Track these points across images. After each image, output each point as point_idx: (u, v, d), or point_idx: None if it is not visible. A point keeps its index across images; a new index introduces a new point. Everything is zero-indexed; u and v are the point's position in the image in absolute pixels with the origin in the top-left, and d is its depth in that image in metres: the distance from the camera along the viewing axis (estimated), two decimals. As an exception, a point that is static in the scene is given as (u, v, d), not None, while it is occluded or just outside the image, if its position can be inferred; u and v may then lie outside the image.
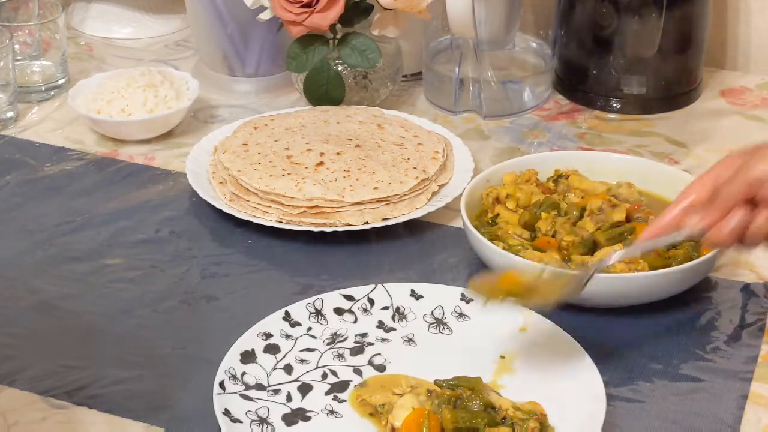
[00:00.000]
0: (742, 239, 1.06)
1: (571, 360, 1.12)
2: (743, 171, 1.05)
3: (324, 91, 1.53)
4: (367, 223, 1.33)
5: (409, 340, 1.18)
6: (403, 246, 1.34)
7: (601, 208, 1.28)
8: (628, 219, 1.29)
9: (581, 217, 1.29)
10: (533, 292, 1.12)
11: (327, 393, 1.12)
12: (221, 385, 1.10)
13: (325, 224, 1.33)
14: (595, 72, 1.59)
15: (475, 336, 1.18)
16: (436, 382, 1.08)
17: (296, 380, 1.13)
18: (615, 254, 1.13)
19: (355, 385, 1.12)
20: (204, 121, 1.57)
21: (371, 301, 1.21)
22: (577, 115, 1.58)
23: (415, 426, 1.04)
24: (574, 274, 1.13)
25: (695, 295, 1.24)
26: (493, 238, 1.26)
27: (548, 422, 1.06)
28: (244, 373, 1.12)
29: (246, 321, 1.17)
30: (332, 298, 1.21)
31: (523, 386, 1.11)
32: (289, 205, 1.34)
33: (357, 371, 1.14)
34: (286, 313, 1.19)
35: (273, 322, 1.18)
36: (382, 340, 1.18)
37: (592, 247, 1.25)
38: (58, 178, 1.46)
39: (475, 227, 1.26)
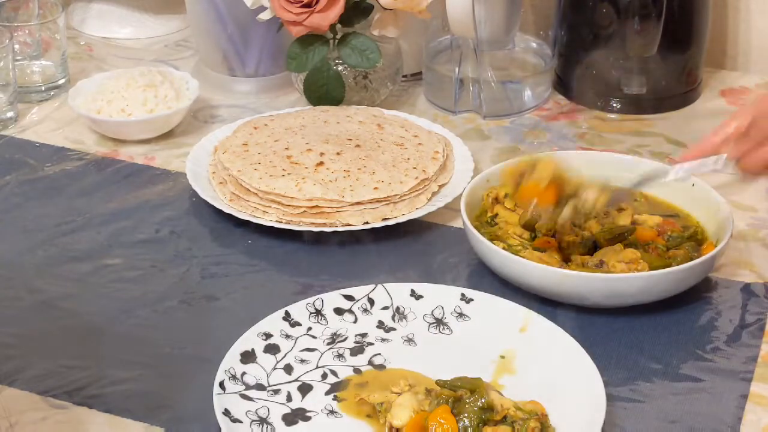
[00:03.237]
0: None
1: (571, 360, 1.12)
2: None
3: (324, 91, 1.53)
4: (367, 223, 1.33)
5: (409, 340, 1.18)
6: (403, 246, 1.34)
7: (607, 212, 1.28)
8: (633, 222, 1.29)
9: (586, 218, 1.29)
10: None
11: (327, 393, 1.12)
12: (221, 385, 1.10)
13: (325, 224, 1.33)
14: (595, 72, 1.59)
15: (475, 336, 1.18)
16: (437, 382, 1.08)
17: (296, 380, 1.13)
18: (675, 169, 1.22)
19: (347, 380, 1.12)
20: (204, 121, 1.57)
21: (371, 301, 1.21)
22: (577, 115, 1.58)
23: (419, 430, 1.04)
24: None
25: (695, 295, 1.24)
26: (493, 238, 1.26)
27: (549, 422, 1.06)
28: (244, 373, 1.12)
29: (246, 321, 1.17)
30: (332, 298, 1.21)
31: (523, 386, 1.11)
32: (289, 205, 1.34)
33: (357, 371, 1.14)
34: (286, 313, 1.19)
35: (273, 322, 1.18)
36: (382, 340, 1.18)
37: (592, 247, 1.25)
38: (58, 178, 1.46)
39: (475, 227, 1.26)
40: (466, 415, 1.04)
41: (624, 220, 1.28)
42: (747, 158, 1.19)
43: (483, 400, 1.05)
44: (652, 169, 1.26)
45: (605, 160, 1.38)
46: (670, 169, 1.25)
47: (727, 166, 1.20)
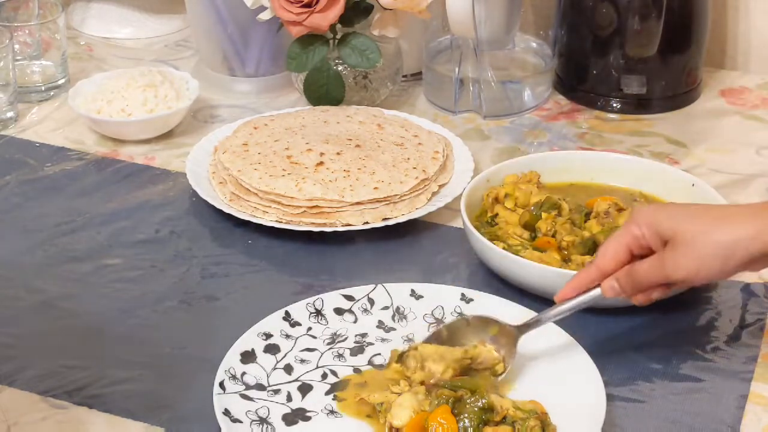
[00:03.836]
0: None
1: (571, 360, 1.12)
2: (660, 269, 1.07)
3: (324, 91, 1.53)
4: (367, 223, 1.33)
5: (409, 340, 1.18)
6: (403, 246, 1.34)
7: (607, 212, 1.28)
8: None
9: (587, 219, 1.29)
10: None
11: (327, 393, 1.12)
12: (221, 385, 1.10)
13: (325, 224, 1.33)
14: (595, 72, 1.59)
15: (475, 336, 1.18)
16: (439, 383, 1.08)
17: (296, 380, 1.13)
18: (540, 315, 1.12)
19: (347, 380, 1.12)
20: (204, 121, 1.57)
21: (371, 301, 1.21)
22: (577, 115, 1.58)
23: (419, 430, 1.04)
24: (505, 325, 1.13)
25: (695, 295, 1.24)
26: (493, 238, 1.26)
27: (549, 421, 1.06)
28: (244, 373, 1.12)
29: (246, 321, 1.17)
30: (332, 298, 1.21)
31: (523, 386, 1.11)
32: (289, 205, 1.34)
33: (357, 371, 1.14)
34: (286, 313, 1.19)
35: (273, 322, 1.18)
36: (382, 340, 1.18)
37: (592, 247, 1.25)
38: (58, 178, 1.46)
39: (475, 227, 1.26)
40: (466, 415, 1.04)
41: (624, 220, 1.28)
42: (633, 299, 1.12)
43: (483, 401, 1.05)
44: (533, 318, 1.14)
45: (605, 160, 1.38)
46: (547, 314, 1.13)
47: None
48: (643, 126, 1.56)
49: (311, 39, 1.51)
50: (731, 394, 1.12)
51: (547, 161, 1.38)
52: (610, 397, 1.09)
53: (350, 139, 1.44)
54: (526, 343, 1.15)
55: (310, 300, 1.20)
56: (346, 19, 1.50)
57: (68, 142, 1.53)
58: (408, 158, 1.41)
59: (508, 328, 1.13)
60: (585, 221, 1.28)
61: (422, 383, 1.09)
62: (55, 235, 1.36)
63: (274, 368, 1.14)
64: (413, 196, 1.37)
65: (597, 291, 1.11)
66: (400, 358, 1.12)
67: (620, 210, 1.29)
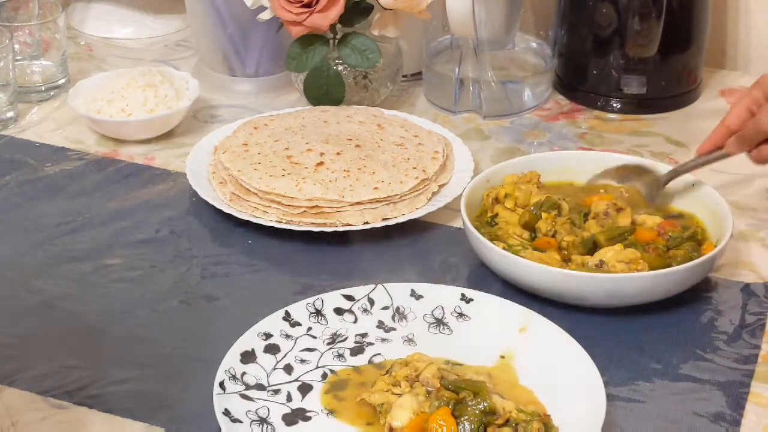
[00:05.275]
0: None
1: (571, 360, 1.12)
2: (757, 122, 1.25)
3: (324, 91, 1.53)
4: (367, 223, 1.33)
5: (409, 340, 1.18)
6: (403, 246, 1.34)
7: (606, 212, 1.28)
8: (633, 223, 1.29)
9: (586, 219, 1.29)
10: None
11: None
12: (221, 385, 1.10)
13: (325, 224, 1.33)
14: (595, 72, 1.59)
15: (475, 336, 1.18)
16: (441, 383, 1.08)
17: (296, 380, 1.13)
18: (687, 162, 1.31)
19: (347, 379, 1.12)
20: (204, 121, 1.57)
21: (371, 301, 1.21)
22: (577, 115, 1.58)
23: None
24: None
25: (695, 295, 1.24)
26: (493, 238, 1.26)
27: (552, 423, 1.06)
28: (244, 373, 1.12)
29: (246, 321, 1.17)
30: (332, 298, 1.21)
31: (523, 386, 1.11)
32: (289, 205, 1.34)
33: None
34: (286, 313, 1.19)
35: (273, 322, 1.18)
36: (382, 340, 1.18)
37: (592, 247, 1.25)
38: (58, 178, 1.46)
39: (475, 227, 1.26)
40: (466, 417, 1.04)
41: (624, 220, 1.28)
42: (759, 152, 1.28)
43: (485, 404, 1.04)
44: (673, 169, 1.33)
45: (605, 160, 1.38)
46: (686, 166, 1.33)
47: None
48: (643, 126, 1.56)
49: (311, 39, 1.51)
50: (731, 394, 1.12)
51: (547, 161, 1.38)
52: (610, 397, 1.09)
53: (350, 139, 1.44)
54: (527, 343, 1.15)
55: (310, 300, 1.20)
56: (346, 19, 1.50)
57: (68, 142, 1.53)
58: (408, 158, 1.41)
59: (654, 175, 1.33)
60: (584, 221, 1.28)
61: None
62: (55, 235, 1.36)
63: (274, 368, 1.14)
64: (413, 196, 1.37)
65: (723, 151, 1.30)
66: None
67: (619, 209, 1.29)
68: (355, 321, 1.20)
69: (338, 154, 1.40)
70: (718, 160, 1.32)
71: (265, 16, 1.52)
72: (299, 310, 1.19)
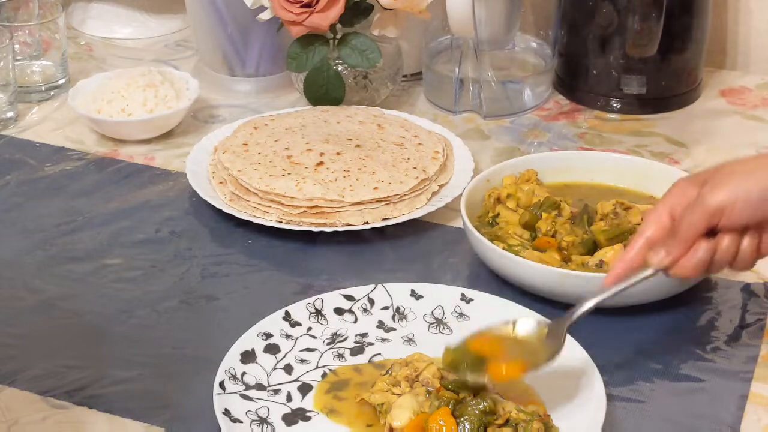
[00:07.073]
0: (709, 268, 1.08)
1: (571, 360, 1.12)
2: (700, 203, 1.05)
3: (324, 91, 1.53)
4: (367, 223, 1.33)
5: (409, 340, 1.18)
6: (403, 246, 1.34)
7: (616, 212, 1.28)
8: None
9: (591, 222, 1.29)
10: (511, 351, 1.09)
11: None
12: (221, 385, 1.10)
13: (325, 224, 1.33)
14: (595, 72, 1.59)
15: (475, 336, 1.18)
16: (441, 383, 1.08)
17: (296, 380, 1.13)
18: (588, 303, 1.09)
19: (347, 379, 1.12)
20: (204, 121, 1.57)
21: (371, 301, 1.21)
22: (577, 115, 1.58)
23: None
24: (548, 322, 1.10)
25: (695, 295, 1.24)
26: (493, 238, 1.26)
27: (552, 423, 1.06)
28: (244, 373, 1.12)
29: (246, 321, 1.17)
30: (332, 298, 1.21)
31: (522, 386, 1.11)
32: (289, 205, 1.34)
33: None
34: (286, 313, 1.19)
35: (273, 322, 1.18)
36: (382, 340, 1.18)
37: (592, 247, 1.25)
38: (58, 178, 1.46)
39: (476, 227, 1.26)
40: (466, 417, 1.04)
41: (635, 217, 1.27)
42: (680, 265, 1.07)
43: (485, 404, 1.04)
44: (582, 309, 1.09)
45: (605, 160, 1.38)
46: (595, 297, 1.10)
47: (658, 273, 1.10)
48: (643, 126, 1.56)
49: (311, 39, 1.51)
50: (731, 394, 1.12)
51: (547, 161, 1.38)
52: (610, 397, 1.09)
53: (350, 139, 1.44)
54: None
55: (310, 300, 1.20)
56: (346, 19, 1.50)
57: (68, 142, 1.53)
58: (408, 158, 1.41)
59: (553, 326, 1.10)
60: (589, 225, 1.28)
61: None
62: (55, 235, 1.36)
63: (274, 368, 1.14)
64: (413, 196, 1.37)
65: (647, 271, 1.08)
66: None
67: (627, 208, 1.29)
68: (355, 321, 1.20)
69: (338, 154, 1.40)
70: (639, 282, 1.09)
71: (265, 16, 1.52)
72: (299, 310, 1.19)
